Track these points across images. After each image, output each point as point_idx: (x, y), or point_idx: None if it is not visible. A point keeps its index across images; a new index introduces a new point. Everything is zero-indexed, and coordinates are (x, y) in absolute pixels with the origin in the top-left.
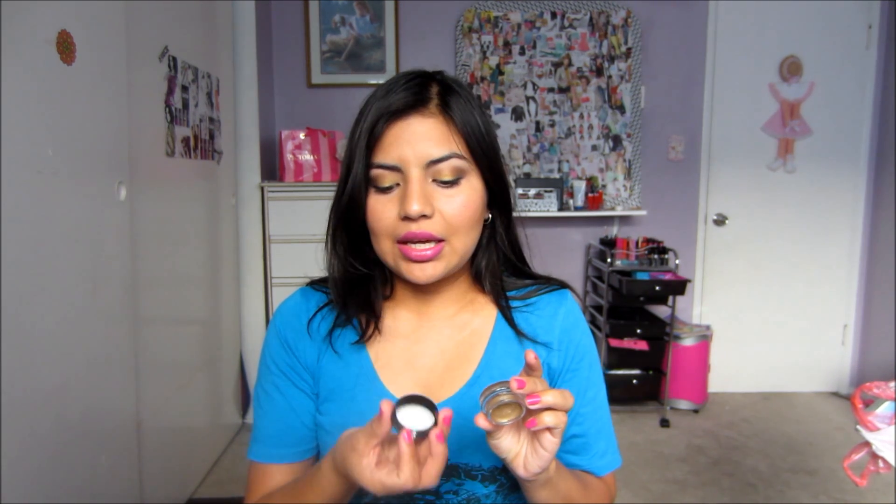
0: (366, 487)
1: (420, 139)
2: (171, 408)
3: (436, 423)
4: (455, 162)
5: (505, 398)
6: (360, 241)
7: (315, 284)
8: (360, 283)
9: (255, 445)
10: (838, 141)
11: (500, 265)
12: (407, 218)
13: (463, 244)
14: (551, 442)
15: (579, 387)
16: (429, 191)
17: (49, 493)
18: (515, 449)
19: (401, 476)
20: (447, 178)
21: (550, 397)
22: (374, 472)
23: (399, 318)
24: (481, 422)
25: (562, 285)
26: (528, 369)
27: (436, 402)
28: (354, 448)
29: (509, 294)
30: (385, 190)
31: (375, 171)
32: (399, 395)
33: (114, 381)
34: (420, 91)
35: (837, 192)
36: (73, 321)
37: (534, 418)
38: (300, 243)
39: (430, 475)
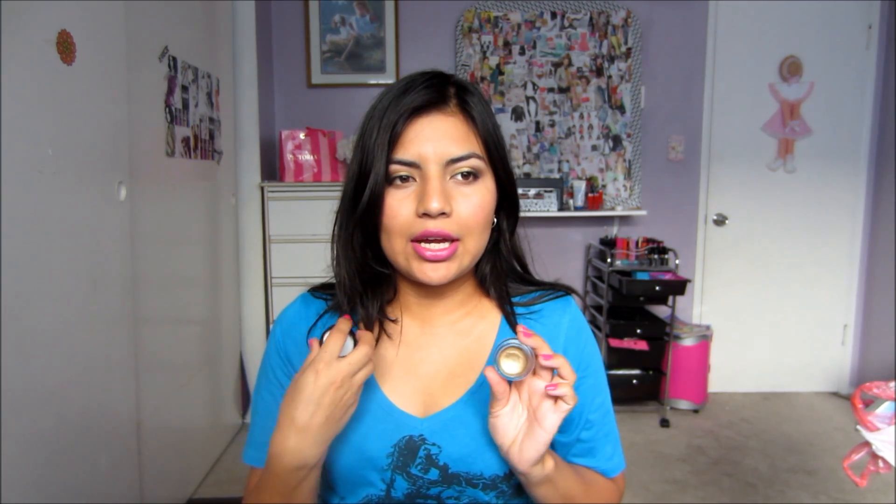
0: (310, 387)
1: (441, 136)
2: (171, 408)
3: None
4: (474, 161)
5: (516, 349)
6: (373, 240)
7: (315, 291)
8: (368, 285)
9: (250, 449)
10: (838, 141)
11: (504, 271)
12: (426, 215)
13: (476, 244)
14: (552, 421)
15: (587, 394)
16: (448, 189)
17: (49, 493)
18: (512, 434)
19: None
20: (466, 172)
21: (562, 360)
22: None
23: (402, 324)
24: (490, 374)
25: (567, 291)
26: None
27: (437, 409)
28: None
29: (514, 300)
30: (400, 183)
31: (392, 167)
32: (398, 403)
33: (114, 381)
34: (440, 90)
35: (837, 192)
36: (73, 321)
37: (554, 382)
38: (300, 243)
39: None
